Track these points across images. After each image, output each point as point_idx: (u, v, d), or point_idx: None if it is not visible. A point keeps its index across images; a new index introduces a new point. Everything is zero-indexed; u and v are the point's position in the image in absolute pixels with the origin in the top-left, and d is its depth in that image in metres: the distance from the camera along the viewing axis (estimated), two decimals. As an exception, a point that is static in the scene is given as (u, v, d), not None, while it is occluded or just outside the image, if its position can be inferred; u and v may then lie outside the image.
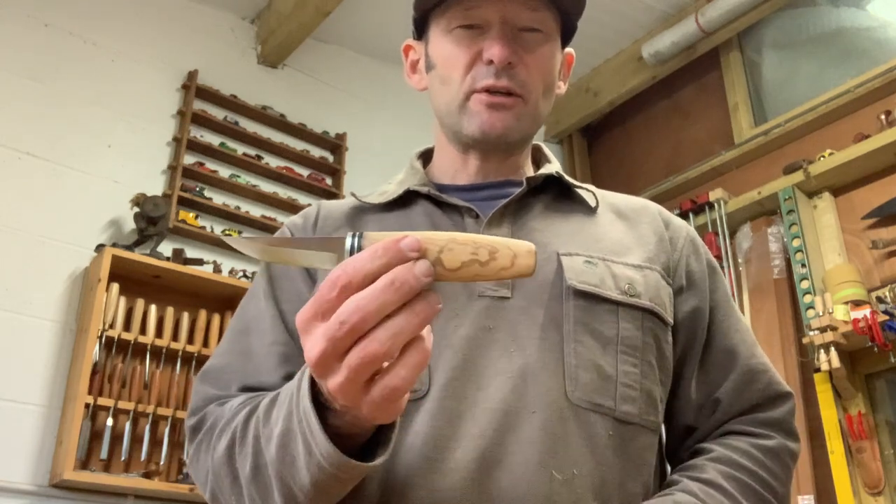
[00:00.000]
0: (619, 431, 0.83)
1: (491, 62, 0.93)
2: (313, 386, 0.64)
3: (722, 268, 3.29)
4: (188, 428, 0.88)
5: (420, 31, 1.03)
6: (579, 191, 1.00)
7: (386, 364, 0.57)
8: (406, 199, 0.98)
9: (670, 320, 0.93)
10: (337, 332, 0.55)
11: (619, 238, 0.96)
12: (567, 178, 1.01)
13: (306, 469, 0.67)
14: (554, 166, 1.02)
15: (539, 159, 1.06)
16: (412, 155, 1.07)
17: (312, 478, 0.67)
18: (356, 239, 0.57)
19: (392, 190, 1.00)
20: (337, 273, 0.55)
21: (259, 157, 3.50)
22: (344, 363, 0.56)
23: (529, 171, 1.02)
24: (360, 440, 0.67)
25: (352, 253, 0.57)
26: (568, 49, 1.05)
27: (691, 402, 0.95)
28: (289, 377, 0.87)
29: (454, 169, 1.01)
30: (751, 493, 0.87)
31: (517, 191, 0.95)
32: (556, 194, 1.00)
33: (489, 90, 0.93)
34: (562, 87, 1.05)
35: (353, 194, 1.02)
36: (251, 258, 3.28)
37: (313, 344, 0.57)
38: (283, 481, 0.71)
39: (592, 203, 0.99)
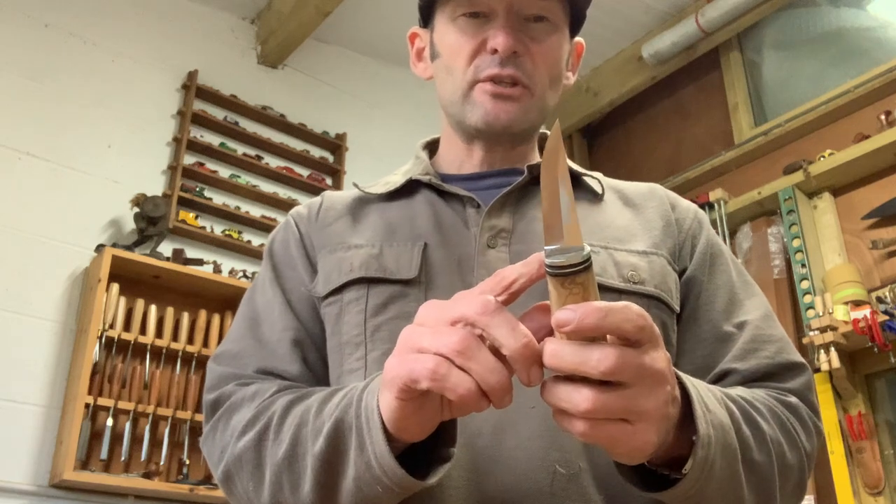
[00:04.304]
0: None
1: (495, 51, 0.90)
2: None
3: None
4: (206, 404, 0.88)
5: (426, 18, 1.01)
6: (585, 178, 0.98)
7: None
8: (409, 189, 0.97)
9: (677, 307, 0.90)
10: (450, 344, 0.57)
11: (625, 225, 0.93)
12: (572, 164, 0.98)
13: (353, 465, 0.67)
14: None
15: None
16: (417, 145, 1.06)
17: (357, 472, 0.67)
18: None
19: (395, 180, 0.99)
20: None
21: (259, 157, 3.50)
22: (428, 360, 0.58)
23: (536, 160, 1.00)
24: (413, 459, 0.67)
25: None
26: (577, 38, 1.03)
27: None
28: (304, 361, 0.88)
29: (459, 159, 1.00)
30: (774, 416, 0.79)
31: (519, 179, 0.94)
32: None
33: (494, 79, 0.91)
34: (570, 78, 1.02)
35: (355, 185, 1.01)
36: (251, 258, 3.28)
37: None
38: (323, 471, 0.70)
39: (598, 190, 0.97)
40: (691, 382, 0.67)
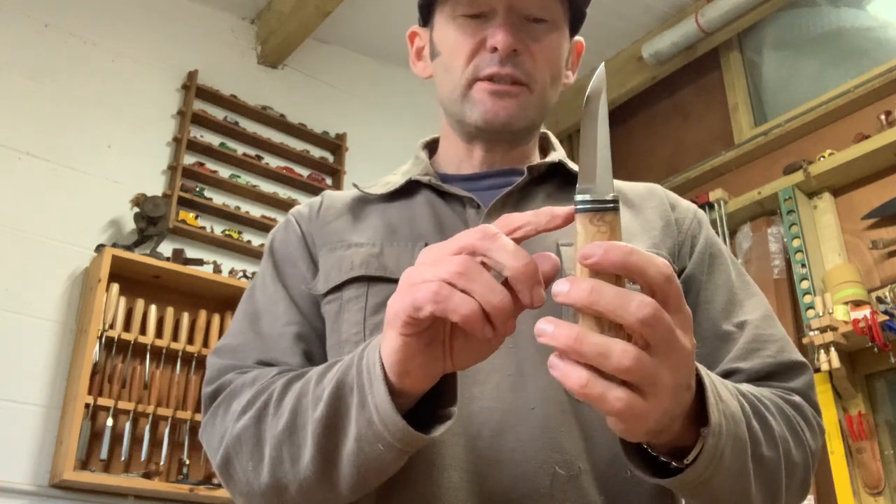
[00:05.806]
0: None
1: (495, 49, 0.90)
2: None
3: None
4: (205, 396, 0.87)
5: (426, 17, 1.01)
6: None
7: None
8: (409, 189, 0.97)
9: None
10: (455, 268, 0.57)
11: (624, 225, 0.93)
12: (571, 165, 0.98)
13: (354, 424, 0.67)
14: (559, 154, 1.00)
15: (546, 148, 1.04)
16: (417, 144, 1.05)
17: (358, 431, 0.66)
18: None
19: (395, 180, 0.98)
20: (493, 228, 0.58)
21: (259, 157, 3.51)
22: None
23: (536, 161, 1.00)
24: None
25: None
26: (577, 37, 1.03)
27: None
28: (306, 354, 0.87)
29: (459, 159, 0.99)
30: (781, 413, 0.79)
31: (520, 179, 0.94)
32: (561, 182, 0.97)
33: (493, 78, 0.91)
34: (570, 77, 1.02)
35: (355, 185, 1.01)
36: (251, 258, 3.28)
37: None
38: (324, 436, 0.69)
39: None
40: (706, 372, 0.66)
